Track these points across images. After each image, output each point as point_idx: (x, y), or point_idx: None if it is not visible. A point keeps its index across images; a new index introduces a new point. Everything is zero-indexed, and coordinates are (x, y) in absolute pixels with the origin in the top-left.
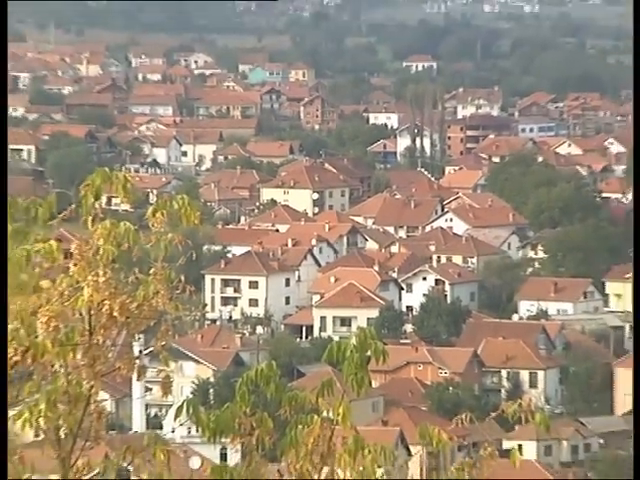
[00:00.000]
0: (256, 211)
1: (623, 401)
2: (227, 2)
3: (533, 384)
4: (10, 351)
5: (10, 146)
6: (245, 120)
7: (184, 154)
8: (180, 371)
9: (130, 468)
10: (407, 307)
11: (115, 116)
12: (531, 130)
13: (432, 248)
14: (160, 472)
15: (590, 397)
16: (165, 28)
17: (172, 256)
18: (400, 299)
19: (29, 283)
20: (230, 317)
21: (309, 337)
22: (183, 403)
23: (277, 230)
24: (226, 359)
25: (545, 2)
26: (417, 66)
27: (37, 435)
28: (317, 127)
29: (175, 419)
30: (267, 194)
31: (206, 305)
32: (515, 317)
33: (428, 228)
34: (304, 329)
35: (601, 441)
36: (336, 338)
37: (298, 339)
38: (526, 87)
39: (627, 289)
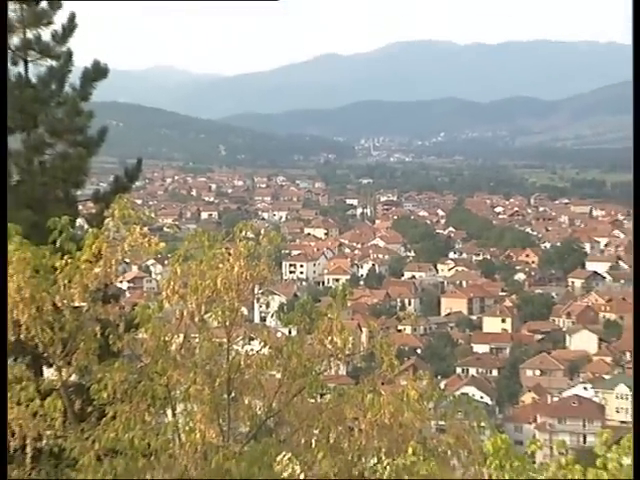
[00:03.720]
0: (302, 237)
1: (444, 310)
2: (290, 158)
3: (410, 304)
4: (207, 291)
5: (207, 212)
6: (298, 202)
7: (274, 215)
8: (272, 300)
9: (252, 336)
10: (360, 275)
11: (248, 201)
12: (409, 206)
13: (370, 251)
14: (264, 338)
15: (431, 309)
16: (267, 166)
17: (269, 254)
18: (358, 272)
19: (214, 265)
20: (292, 278)
21: (323, 286)
22: (274, 312)
23: (310, 244)
24: (291, 294)
25: (416, 157)
26: (365, 182)
27: (218, 323)
28: (326, 204)
29: (271, 317)
30: (306, 231)
31: (282, 273)
32: (403, 278)
33: (369, 244)
34: (321, 283)
35: (435, 326)
36: (333, 287)
37: (318, 287)
38: (407, 190)
39: (445, 267)
